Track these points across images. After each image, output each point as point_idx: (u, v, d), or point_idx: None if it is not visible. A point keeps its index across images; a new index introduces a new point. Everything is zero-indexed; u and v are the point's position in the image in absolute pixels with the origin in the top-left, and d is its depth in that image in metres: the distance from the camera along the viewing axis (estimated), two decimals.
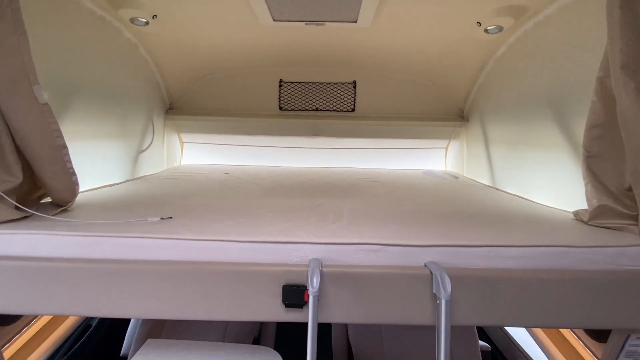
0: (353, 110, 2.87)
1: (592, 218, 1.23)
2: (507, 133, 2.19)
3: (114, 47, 2.09)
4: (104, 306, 0.98)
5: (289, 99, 2.86)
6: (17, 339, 1.26)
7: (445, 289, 0.87)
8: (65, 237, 1.01)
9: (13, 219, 1.11)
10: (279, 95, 2.85)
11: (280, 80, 2.83)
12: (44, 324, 1.47)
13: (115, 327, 1.96)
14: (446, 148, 3.07)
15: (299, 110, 2.86)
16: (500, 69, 2.31)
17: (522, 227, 1.27)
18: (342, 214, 1.32)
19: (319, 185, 2.08)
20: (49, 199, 1.36)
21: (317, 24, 2.06)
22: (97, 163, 1.96)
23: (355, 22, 2.00)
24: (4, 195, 1.08)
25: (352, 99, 2.85)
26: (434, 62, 2.58)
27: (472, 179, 2.54)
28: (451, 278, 0.89)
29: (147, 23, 2.04)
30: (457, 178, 2.57)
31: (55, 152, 1.21)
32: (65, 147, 1.23)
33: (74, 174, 1.27)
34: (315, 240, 0.99)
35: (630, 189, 1.14)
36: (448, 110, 2.88)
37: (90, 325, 1.95)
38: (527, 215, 1.45)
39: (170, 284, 0.96)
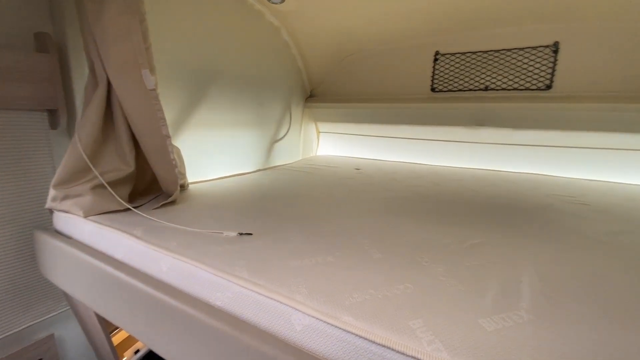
0: (549, 87, 1.89)
1: None
2: None
3: (256, 32, 2.03)
4: (143, 333, 0.80)
5: (446, 76, 2.17)
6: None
7: None
8: (134, 244, 0.88)
9: (115, 210, 1.09)
10: (433, 72, 2.20)
11: (437, 53, 2.17)
12: None
13: None
14: None
15: (459, 90, 2.14)
16: None
17: None
18: (519, 284, 0.67)
19: (477, 200, 1.40)
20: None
21: None
22: (230, 151, 1.97)
23: None
24: (107, 186, 1.06)
25: (550, 71, 1.88)
26: None
27: None
28: None
29: (282, 0, 1.86)
30: None
31: (160, 141, 1.14)
32: (169, 137, 1.14)
33: (176, 166, 1.17)
34: (444, 354, 0.46)
35: None
36: None
37: None
38: None
39: (212, 347, 0.66)
